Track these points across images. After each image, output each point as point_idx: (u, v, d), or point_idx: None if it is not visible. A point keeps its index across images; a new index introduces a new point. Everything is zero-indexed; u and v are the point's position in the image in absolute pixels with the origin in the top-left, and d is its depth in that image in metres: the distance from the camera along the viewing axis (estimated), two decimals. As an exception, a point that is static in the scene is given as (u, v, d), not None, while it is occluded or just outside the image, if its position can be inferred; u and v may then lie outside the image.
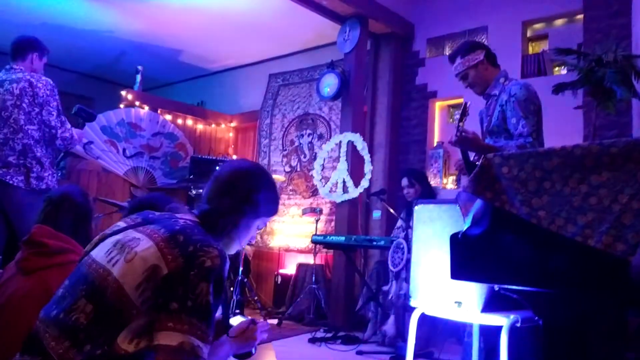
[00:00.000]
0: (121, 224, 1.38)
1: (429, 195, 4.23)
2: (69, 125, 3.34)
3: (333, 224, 5.30)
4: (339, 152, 5.09)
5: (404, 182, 4.33)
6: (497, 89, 2.75)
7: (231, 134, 7.21)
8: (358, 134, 4.97)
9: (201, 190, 4.99)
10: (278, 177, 5.56)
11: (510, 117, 2.63)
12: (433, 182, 4.88)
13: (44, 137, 3.28)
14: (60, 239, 1.90)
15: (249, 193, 1.44)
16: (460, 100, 4.71)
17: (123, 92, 6.35)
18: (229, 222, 1.42)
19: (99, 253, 1.29)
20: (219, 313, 1.39)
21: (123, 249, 1.24)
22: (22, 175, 3.18)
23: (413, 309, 2.40)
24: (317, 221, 5.09)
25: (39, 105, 3.24)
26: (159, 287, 1.16)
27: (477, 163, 2.53)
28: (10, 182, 3.15)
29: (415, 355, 2.46)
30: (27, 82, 3.23)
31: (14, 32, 3.66)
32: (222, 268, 1.21)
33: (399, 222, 4.41)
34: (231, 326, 1.51)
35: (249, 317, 1.55)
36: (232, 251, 1.48)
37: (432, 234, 2.30)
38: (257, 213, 1.47)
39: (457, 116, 2.48)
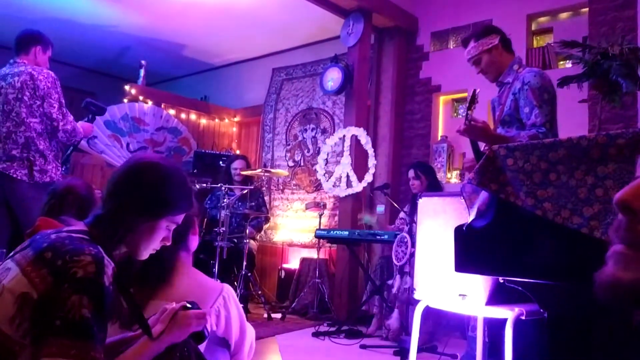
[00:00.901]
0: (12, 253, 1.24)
1: (435, 189, 4.21)
2: (71, 118, 3.33)
3: (337, 218, 5.30)
4: (343, 146, 5.08)
5: (411, 173, 4.33)
6: (510, 77, 2.65)
7: (235, 129, 7.21)
8: (362, 128, 4.96)
9: (205, 185, 5.00)
10: (282, 172, 5.56)
11: (523, 106, 2.53)
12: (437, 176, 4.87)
13: (47, 130, 3.28)
14: (65, 232, 1.90)
15: (144, 191, 1.27)
16: (465, 95, 4.69)
17: (127, 87, 6.35)
18: (121, 227, 1.24)
19: None
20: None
21: None
22: (26, 169, 3.18)
23: (417, 303, 2.39)
24: (320, 216, 5.09)
25: (40, 98, 3.23)
26: (33, 315, 1.05)
27: None
28: (14, 175, 3.16)
29: (419, 349, 2.46)
30: (28, 75, 3.23)
31: (18, 26, 3.66)
32: (98, 275, 1.09)
33: (402, 214, 4.41)
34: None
35: (183, 303, 1.38)
36: (139, 257, 1.32)
37: (436, 227, 2.29)
38: (158, 213, 1.28)
39: (466, 105, 2.36)
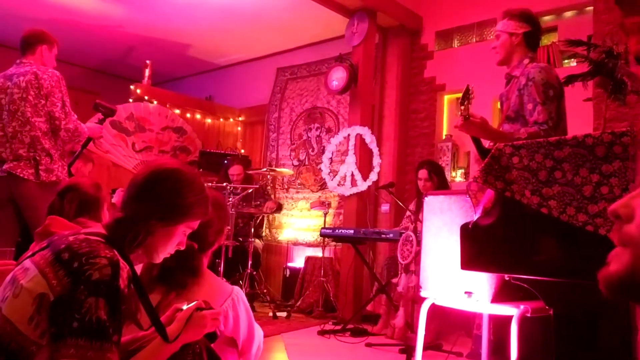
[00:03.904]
0: (30, 253, 1.25)
1: (444, 188, 4.18)
2: (74, 117, 3.34)
3: (341, 217, 5.31)
4: (348, 145, 5.09)
5: (423, 174, 4.18)
6: (518, 71, 2.54)
7: (239, 128, 7.22)
8: (366, 127, 4.97)
9: (209, 184, 5.01)
10: (286, 171, 5.57)
11: (526, 102, 2.43)
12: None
13: (52, 129, 3.29)
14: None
15: (166, 197, 1.30)
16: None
17: (132, 87, 6.38)
18: (142, 231, 1.26)
19: None
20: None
21: (14, 283, 1.15)
22: (32, 168, 3.19)
23: (422, 301, 2.40)
24: (325, 214, 5.10)
25: (44, 97, 3.24)
26: (50, 316, 1.08)
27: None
28: (21, 175, 3.17)
29: (424, 348, 2.47)
30: (33, 74, 3.24)
31: (23, 27, 3.68)
32: (114, 277, 1.11)
33: (408, 212, 4.41)
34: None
35: (196, 302, 1.41)
36: (155, 260, 1.36)
37: (442, 225, 2.30)
38: (177, 219, 1.32)
39: (460, 100, 2.23)
